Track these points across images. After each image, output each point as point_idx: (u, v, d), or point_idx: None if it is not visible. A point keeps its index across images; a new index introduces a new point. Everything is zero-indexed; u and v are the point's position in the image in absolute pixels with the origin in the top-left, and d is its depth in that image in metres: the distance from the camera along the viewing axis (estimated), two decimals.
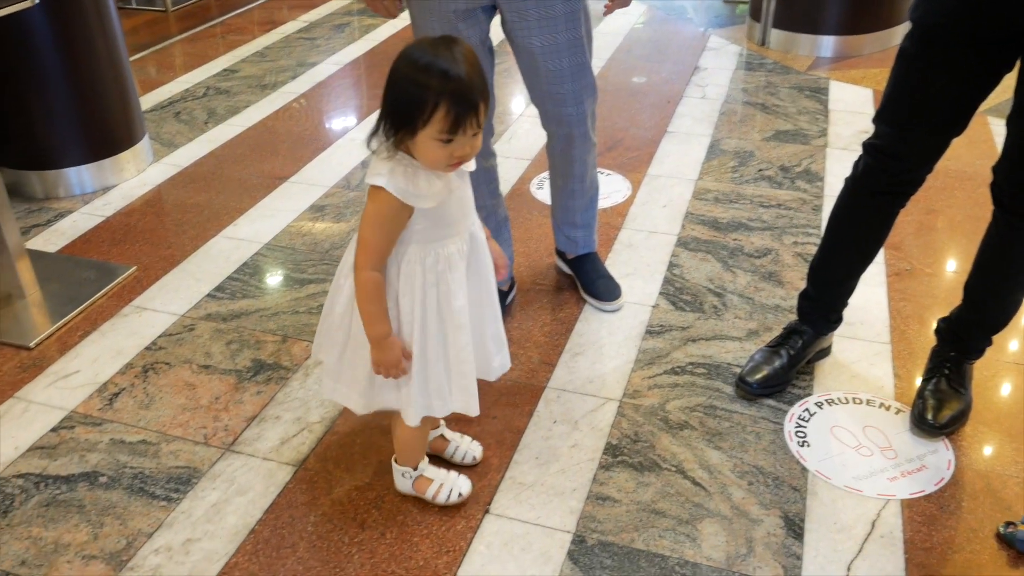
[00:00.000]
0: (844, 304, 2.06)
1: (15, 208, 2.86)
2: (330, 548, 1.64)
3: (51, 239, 2.69)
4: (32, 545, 1.66)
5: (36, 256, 2.55)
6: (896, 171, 1.79)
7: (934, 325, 2.02)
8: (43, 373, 2.11)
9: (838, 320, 2.08)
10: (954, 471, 1.82)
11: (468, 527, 1.69)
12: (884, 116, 1.77)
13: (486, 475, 1.80)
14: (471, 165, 1.44)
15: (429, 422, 1.65)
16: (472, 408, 1.58)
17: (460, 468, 1.79)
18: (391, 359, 1.47)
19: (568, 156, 2.11)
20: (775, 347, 2.06)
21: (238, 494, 1.76)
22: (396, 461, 1.71)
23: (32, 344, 2.19)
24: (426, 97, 1.28)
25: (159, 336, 2.24)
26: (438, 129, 1.30)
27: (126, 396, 2.03)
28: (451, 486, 1.71)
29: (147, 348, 2.19)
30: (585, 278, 2.35)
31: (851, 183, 1.89)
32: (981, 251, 1.85)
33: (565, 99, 1.96)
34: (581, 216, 2.29)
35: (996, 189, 1.74)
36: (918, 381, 2.02)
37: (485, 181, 2.11)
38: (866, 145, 1.82)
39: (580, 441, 1.90)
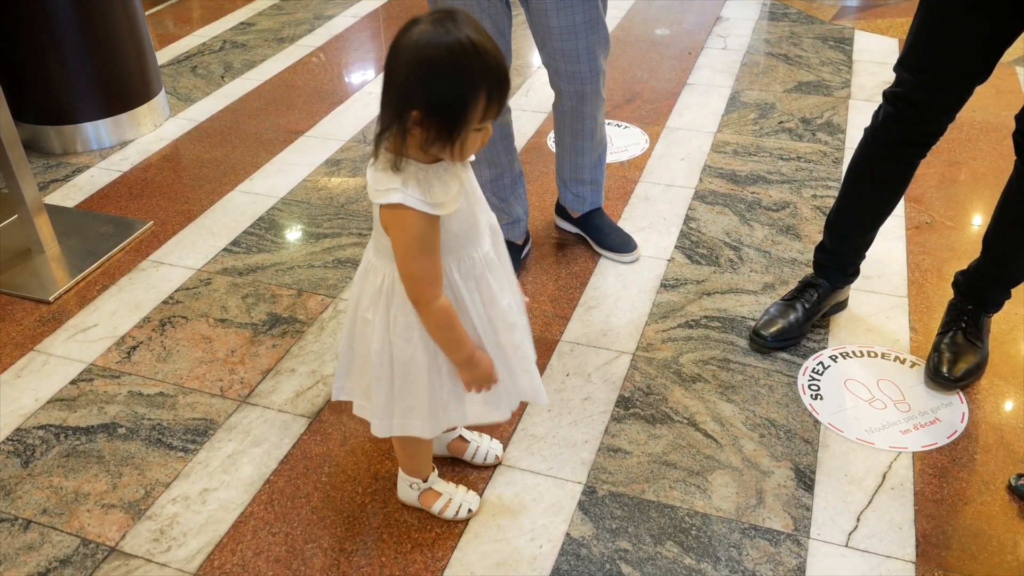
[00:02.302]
0: (861, 257, 2.04)
1: (33, 163, 2.88)
2: (343, 498, 1.67)
3: (69, 194, 2.71)
4: (53, 494, 1.70)
5: (55, 211, 2.57)
6: (917, 121, 1.75)
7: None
8: (62, 327, 2.14)
9: (855, 273, 2.06)
10: (968, 424, 1.80)
11: (480, 478, 1.71)
12: (906, 64, 1.72)
13: (499, 427, 1.81)
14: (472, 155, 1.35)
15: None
16: (541, 397, 1.50)
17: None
18: (484, 373, 1.37)
19: (579, 113, 2.08)
20: (790, 300, 2.04)
21: (254, 445, 1.79)
22: (403, 470, 1.62)
23: (51, 298, 2.22)
24: (476, 89, 1.15)
25: (176, 290, 2.26)
26: (483, 116, 1.19)
27: (143, 349, 2.06)
28: (460, 502, 1.62)
29: (164, 302, 2.22)
30: (597, 233, 2.33)
31: (870, 133, 1.85)
32: (1001, 202, 1.82)
33: (579, 56, 1.92)
34: (590, 172, 2.26)
35: (1019, 137, 1.70)
36: (933, 337, 2.00)
37: (500, 137, 2.08)
38: (886, 94, 1.78)
39: (593, 394, 1.90)
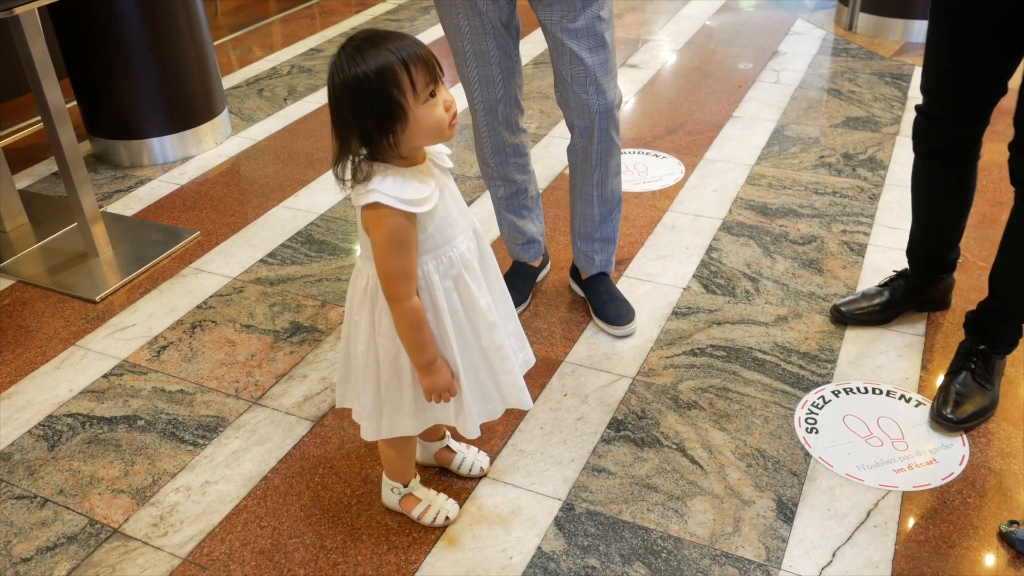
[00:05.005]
0: (942, 260, 2.11)
1: (102, 175, 3.10)
2: (332, 498, 1.75)
3: (129, 204, 2.90)
4: (71, 477, 1.83)
5: (113, 219, 2.76)
6: (938, 130, 1.86)
7: None
8: (104, 325, 2.30)
9: (943, 270, 2.14)
10: (966, 467, 1.76)
11: (464, 488, 1.76)
12: (922, 78, 1.85)
13: (489, 441, 1.86)
14: (448, 162, 1.43)
15: (410, 440, 1.63)
16: (525, 402, 1.54)
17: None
18: (442, 382, 1.43)
19: (588, 153, 2.03)
20: (882, 286, 2.20)
21: (257, 444, 1.89)
22: (386, 475, 1.68)
23: (97, 298, 2.39)
24: (393, 69, 1.24)
25: (210, 296, 2.40)
26: (423, 84, 1.26)
27: (172, 349, 2.19)
28: (438, 508, 1.67)
29: (198, 307, 2.36)
30: (596, 300, 2.22)
31: (914, 147, 1.97)
32: (1004, 237, 1.80)
33: (585, 84, 1.92)
34: (598, 228, 2.17)
35: (1013, 165, 1.71)
36: (944, 378, 1.96)
37: (514, 155, 2.14)
38: (916, 108, 1.91)
39: (587, 414, 1.93)
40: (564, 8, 1.85)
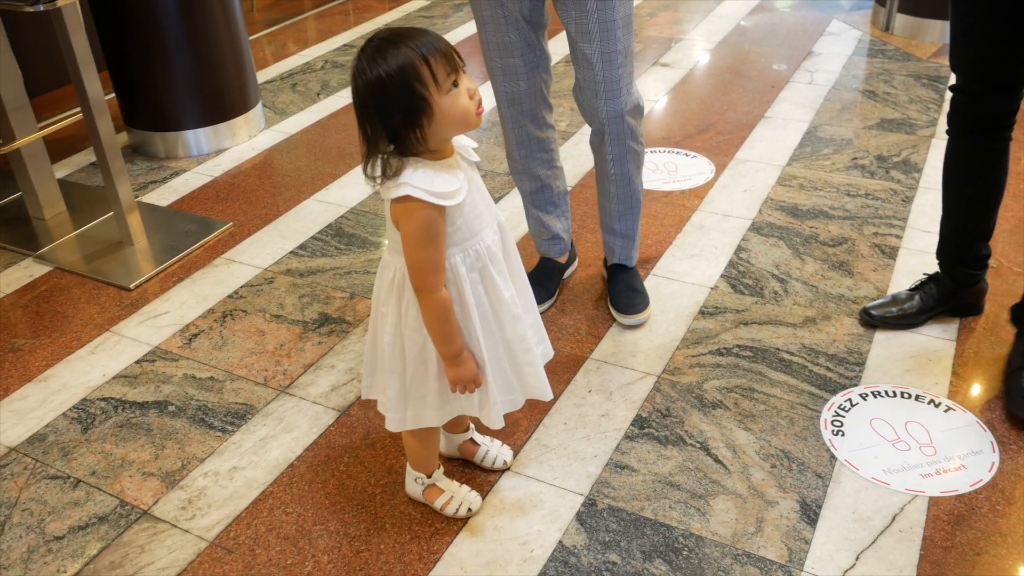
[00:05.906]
0: (969, 256, 2.07)
1: (138, 165, 3.15)
2: (356, 487, 1.77)
3: (164, 194, 2.95)
4: (103, 459, 1.87)
5: (148, 209, 2.81)
6: (972, 103, 1.87)
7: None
8: (137, 312, 2.34)
9: (970, 267, 2.09)
10: (996, 474, 1.74)
11: (487, 481, 1.77)
12: (950, 55, 1.88)
13: (513, 435, 1.87)
14: (475, 155, 1.45)
15: (434, 431, 1.64)
16: (546, 392, 1.56)
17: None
18: (469, 373, 1.45)
19: (602, 153, 2.04)
20: (912, 290, 2.16)
21: (284, 432, 1.91)
22: (410, 465, 1.69)
23: (132, 286, 2.43)
24: (414, 64, 1.26)
25: (241, 286, 2.43)
26: (444, 76, 1.28)
27: (204, 337, 2.23)
28: (461, 499, 1.68)
29: (229, 296, 2.39)
30: (614, 289, 2.24)
31: (948, 128, 1.97)
32: None
33: (595, 87, 1.92)
34: (619, 224, 2.19)
35: None
36: (975, 384, 1.95)
37: (539, 150, 2.14)
38: (950, 88, 1.94)
39: (611, 411, 1.94)
40: (578, 10, 1.85)
